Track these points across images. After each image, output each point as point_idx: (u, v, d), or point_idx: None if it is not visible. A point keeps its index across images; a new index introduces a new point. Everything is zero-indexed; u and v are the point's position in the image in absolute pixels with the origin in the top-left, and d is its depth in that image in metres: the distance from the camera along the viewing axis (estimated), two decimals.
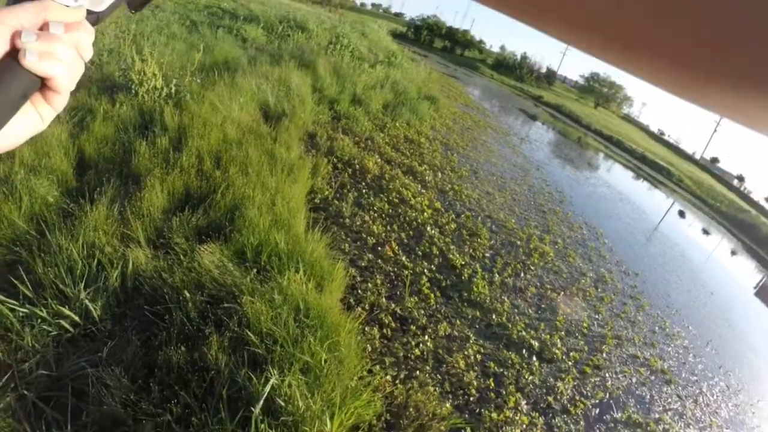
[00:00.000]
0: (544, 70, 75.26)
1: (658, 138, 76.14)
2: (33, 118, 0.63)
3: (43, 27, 0.59)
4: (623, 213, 16.02)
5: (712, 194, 35.98)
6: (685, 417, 6.07)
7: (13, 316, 3.24)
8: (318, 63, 13.43)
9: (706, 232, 22.33)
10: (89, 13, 0.65)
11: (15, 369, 3.02)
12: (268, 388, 3.10)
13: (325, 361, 3.59)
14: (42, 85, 0.60)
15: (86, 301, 3.48)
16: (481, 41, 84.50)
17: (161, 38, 10.79)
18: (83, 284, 3.57)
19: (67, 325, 3.35)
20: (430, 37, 76.58)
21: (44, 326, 3.28)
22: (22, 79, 0.57)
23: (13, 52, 0.56)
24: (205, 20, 16.02)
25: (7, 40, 0.56)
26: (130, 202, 4.61)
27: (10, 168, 4.51)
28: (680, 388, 6.66)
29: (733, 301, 13.18)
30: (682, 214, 23.58)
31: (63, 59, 0.60)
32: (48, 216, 4.19)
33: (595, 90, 73.06)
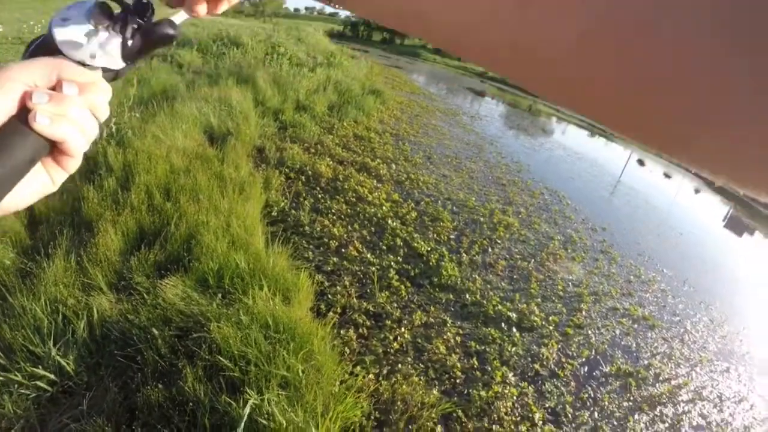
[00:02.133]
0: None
1: None
2: (43, 181, 0.61)
3: (57, 86, 0.58)
4: (583, 172, 16.18)
5: None
6: (674, 358, 6.22)
7: None
8: (257, 76, 13.33)
9: (667, 176, 22.66)
10: (106, 71, 0.64)
11: None
12: (247, 411, 3.13)
13: (303, 372, 3.62)
14: (53, 147, 0.58)
15: (58, 358, 3.45)
16: None
17: None
18: (52, 341, 3.53)
19: (44, 385, 3.32)
20: (368, 32, 76.42)
21: (22, 390, 3.25)
22: (31, 143, 0.55)
23: (23, 113, 0.55)
24: None
25: (18, 99, 0.54)
26: (86, 250, 4.55)
27: None
28: (664, 330, 6.82)
29: (704, 237, 13.43)
30: (641, 162, 23.87)
31: (76, 122, 0.58)
32: (7, 279, 4.14)
33: None
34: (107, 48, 0.61)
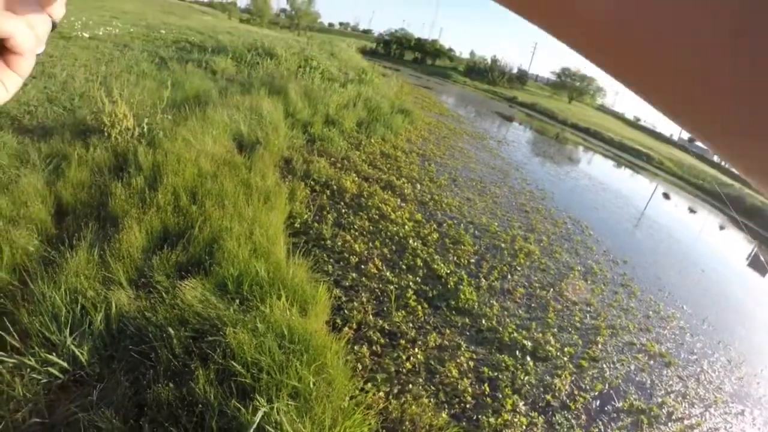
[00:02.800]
0: (515, 71, 75.67)
1: (635, 124, 76.40)
2: None
3: None
4: (607, 203, 16.08)
5: (693, 173, 36.05)
6: (688, 397, 6.09)
7: (3, 367, 3.25)
8: (289, 88, 13.48)
9: (692, 210, 22.43)
10: None
11: (8, 419, 3.03)
12: (258, 418, 3.13)
13: (314, 384, 3.62)
14: (2, 47, 0.52)
15: (73, 347, 3.50)
16: (450, 49, 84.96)
17: (131, 78, 10.83)
18: (68, 330, 3.59)
19: (56, 372, 3.36)
20: (400, 51, 76.94)
21: (34, 375, 3.30)
22: None
23: None
24: (174, 55, 16.07)
25: None
26: (110, 245, 4.62)
27: None
28: (680, 369, 6.69)
29: (727, 275, 13.20)
30: (666, 196, 23.69)
31: (24, 18, 0.52)
32: (30, 265, 4.21)
33: (567, 84, 73.29)
34: None
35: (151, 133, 7.55)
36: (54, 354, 3.43)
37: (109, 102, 7.45)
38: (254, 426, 3.09)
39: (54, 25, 0.57)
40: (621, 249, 11.10)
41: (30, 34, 0.53)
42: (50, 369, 3.36)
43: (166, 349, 3.67)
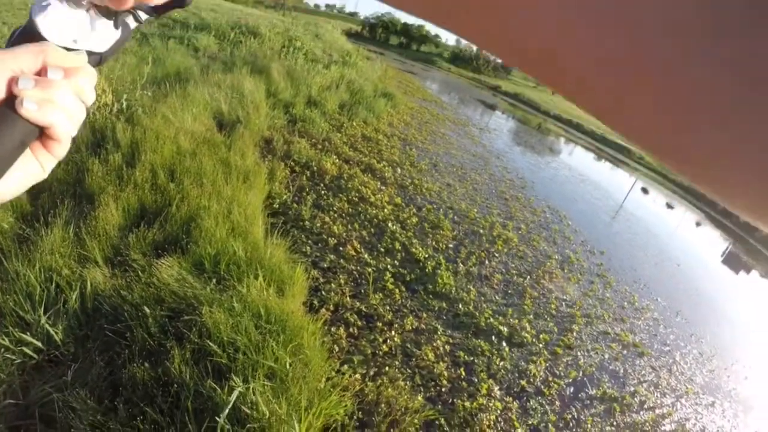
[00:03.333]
0: (500, 60, 75.71)
1: None
2: (33, 167, 0.60)
3: (42, 71, 0.57)
4: (586, 194, 16.22)
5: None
6: (660, 387, 6.21)
7: None
8: (271, 67, 13.35)
9: (669, 206, 22.64)
10: (91, 54, 0.63)
11: None
12: (233, 398, 3.12)
13: (290, 365, 3.62)
14: (41, 132, 0.58)
15: (47, 326, 3.45)
16: (436, 35, 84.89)
17: None
18: (43, 309, 3.53)
19: (30, 352, 3.32)
20: (386, 35, 76.71)
21: (8, 355, 3.25)
22: (19, 128, 0.54)
23: (10, 99, 0.54)
24: (156, 32, 15.78)
25: (5, 85, 0.54)
26: (86, 222, 4.55)
27: None
28: (653, 359, 6.81)
29: (701, 271, 13.40)
30: (645, 190, 23.89)
31: (62, 106, 0.57)
32: (3, 243, 4.14)
33: None
34: (90, 31, 0.61)
35: (130, 109, 7.43)
36: (28, 333, 3.39)
37: None
38: (229, 406, 3.08)
39: (87, 110, 0.62)
40: (598, 240, 11.23)
41: (68, 123, 0.58)
42: (24, 349, 3.31)
43: (142, 328, 3.64)
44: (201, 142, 7.06)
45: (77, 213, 4.74)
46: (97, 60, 0.64)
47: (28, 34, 0.59)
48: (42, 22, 0.58)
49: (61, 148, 0.61)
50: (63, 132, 0.58)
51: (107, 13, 0.61)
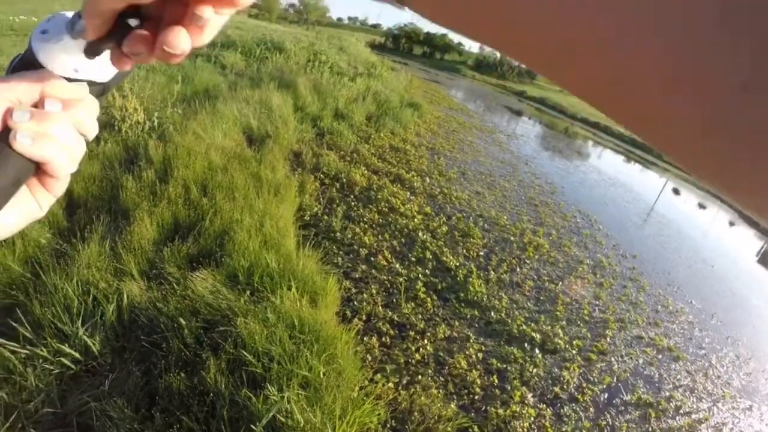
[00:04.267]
0: (524, 66, 75.42)
1: None
2: (29, 206, 0.57)
3: (39, 103, 0.54)
4: (616, 197, 15.97)
5: None
6: (696, 391, 6.08)
7: (15, 358, 3.29)
8: (298, 82, 13.49)
9: (702, 206, 22.23)
10: (93, 84, 0.59)
11: (21, 409, 3.06)
12: (273, 411, 3.16)
13: (324, 374, 3.64)
14: (38, 169, 0.54)
15: (85, 338, 3.53)
16: (459, 44, 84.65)
17: (141, 73, 10.86)
18: (80, 321, 3.62)
19: (68, 363, 3.39)
20: (409, 45, 76.92)
21: (46, 365, 3.33)
22: (13, 164, 0.51)
23: (5, 133, 0.51)
24: None
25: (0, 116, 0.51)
26: (121, 237, 4.66)
27: None
28: (689, 363, 6.67)
29: (736, 271, 13.04)
30: (676, 191, 23.49)
31: (60, 141, 0.54)
32: (42, 258, 4.24)
33: None
34: (92, 60, 0.57)
35: (162, 126, 7.58)
36: (66, 345, 3.47)
37: (119, 96, 7.48)
38: (268, 417, 3.12)
39: (87, 144, 0.60)
40: (630, 243, 11.04)
41: (66, 158, 0.55)
42: (62, 359, 3.39)
43: (177, 339, 3.70)
44: (232, 157, 7.16)
45: (113, 228, 4.84)
46: (99, 91, 0.61)
47: (27, 63, 0.56)
48: (41, 50, 0.55)
49: (59, 186, 0.57)
50: (60, 168, 0.55)
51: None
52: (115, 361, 3.59)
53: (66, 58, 0.55)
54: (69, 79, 0.56)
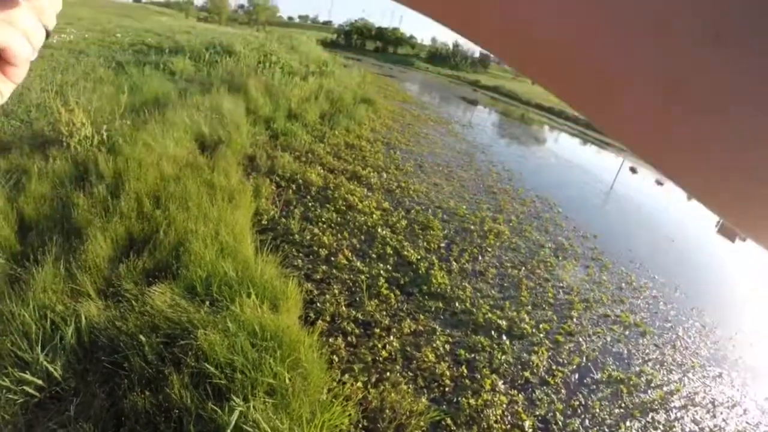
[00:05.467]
0: (477, 55, 75.79)
1: None
2: None
3: None
4: (575, 180, 16.22)
5: None
6: (665, 364, 6.24)
7: None
8: (249, 84, 13.39)
9: (659, 183, 22.64)
10: None
11: None
12: (234, 419, 3.14)
13: (289, 380, 3.64)
14: None
15: (46, 363, 3.47)
16: (412, 36, 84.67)
17: (88, 85, 10.63)
18: (40, 347, 3.55)
19: (32, 391, 3.34)
20: (361, 41, 76.54)
21: (10, 396, 3.27)
22: None
23: None
24: (131, 59, 15.80)
25: None
26: (75, 257, 4.57)
27: None
28: (656, 337, 6.83)
29: (697, 244, 13.31)
30: (633, 170, 23.84)
31: (20, 28, 0.52)
32: None
33: None
34: None
35: (111, 139, 7.43)
36: (28, 372, 3.40)
37: (66, 111, 7.32)
38: (231, 427, 3.10)
39: (48, 34, 0.57)
40: (591, 224, 11.21)
41: (26, 44, 0.53)
42: (26, 388, 3.33)
43: (139, 357, 3.66)
44: (184, 166, 7.08)
45: (66, 248, 4.75)
46: None
47: None
48: None
49: (18, 73, 0.55)
50: (19, 54, 0.53)
51: None
52: (79, 384, 3.53)
53: None
54: None
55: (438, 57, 71.66)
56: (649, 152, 0.29)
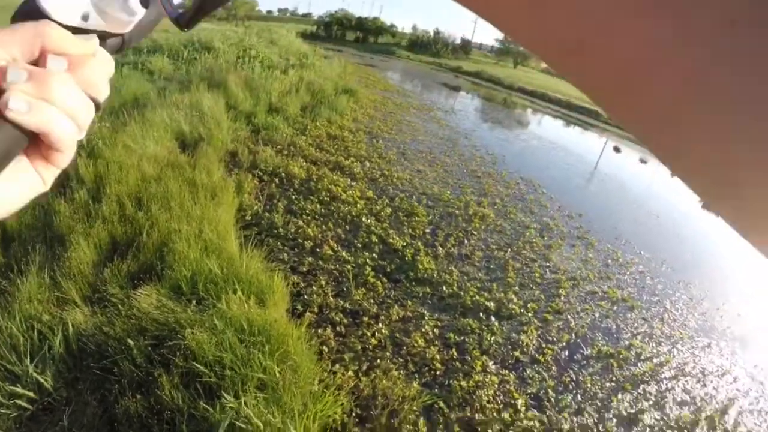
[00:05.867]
0: (458, 41, 75.68)
1: None
2: (31, 179, 0.48)
3: (40, 60, 0.45)
4: (558, 161, 16.31)
5: None
6: (654, 337, 6.33)
7: None
8: (228, 80, 13.29)
9: (643, 161, 22.73)
10: (107, 36, 0.51)
11: None
12: (227, 420, 3.15)
13: (280, 373, 3.65)
14: (37, 138, 0.45)
15: (36, 375, 3.45)
16: (392, 25, 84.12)
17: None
18: (29, 358, 3.53)
19: (24, 404, 3.32)
20: (342, 31, 76.05)
21: (2, 410, 3.26)
22: (4, 135, 0.42)
23: None
24: None
25: None
26: (59, 265, 4.54)
27: None
28: (644, 311, 6.93)
29: (681, 219, 13.41)
30: (617, 149, 23.94)
31: (63, 106, 0.45)
32: None
33: (512, 50, 72.89)
34: (106, 6, 0.48)
35: (91, 143, 7.38)
36: (18, 385, 3.38)
37: None
38: (224, 426, 3.11)
39: (98, 107, 0.50)
40: (575, 204, 11.29)
41: (70, 126, 0.46)
42: (18, 401, 3.31)
43: (128, 360, 3.66)
44: (165, 165, 7.04)
45: (50, 256, 4.72)
46: (116, 45, 0.53)
47: (28, 13, 0.46)
48: None
49: (63, 158, 0.49)
50: (62, 138, 0.46)
51: None
52: (70, 393, 3.52)
53: (72, 3, 0.47)
54: (76, 30, 0.48)
55: (419, 45, 71.43)
56: (666, 148, 0.30)
